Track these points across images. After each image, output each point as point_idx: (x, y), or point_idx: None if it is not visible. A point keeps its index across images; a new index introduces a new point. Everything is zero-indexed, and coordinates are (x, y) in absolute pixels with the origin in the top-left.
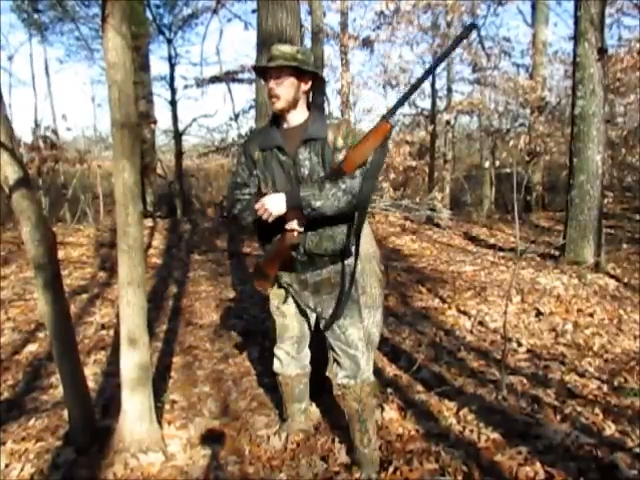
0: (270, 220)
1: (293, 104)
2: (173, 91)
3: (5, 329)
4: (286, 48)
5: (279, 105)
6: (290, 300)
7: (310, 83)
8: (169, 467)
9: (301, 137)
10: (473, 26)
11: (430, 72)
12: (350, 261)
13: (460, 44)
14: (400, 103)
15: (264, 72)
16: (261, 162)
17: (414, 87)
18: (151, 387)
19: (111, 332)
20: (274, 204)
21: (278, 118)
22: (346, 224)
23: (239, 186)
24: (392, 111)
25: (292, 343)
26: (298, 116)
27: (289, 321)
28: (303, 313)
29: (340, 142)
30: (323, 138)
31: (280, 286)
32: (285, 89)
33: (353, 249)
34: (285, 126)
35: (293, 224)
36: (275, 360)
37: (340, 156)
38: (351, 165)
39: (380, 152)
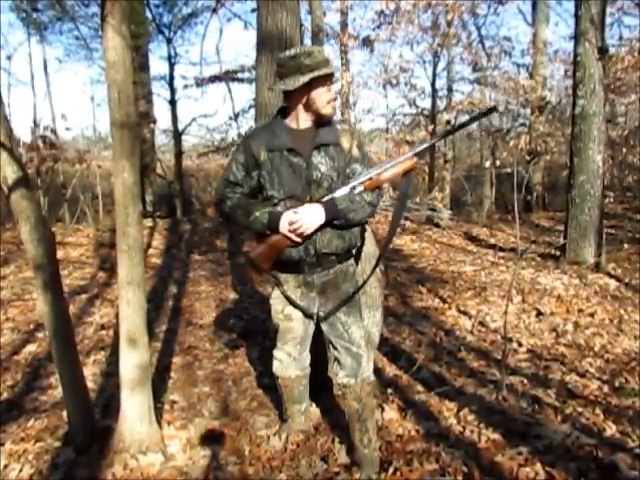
0: (306, 234)
1: None
2: (173, 91)
3: (4, 329)
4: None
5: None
6: (296, 303)
7: None
8: (169, 467)
9: (313, 140)
10: (494, 108)
11: (454, 131)
12: (352, 261)
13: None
14: (429, 146)
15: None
16: (268, 163)
17: (446, 134)
18: (151, 387)
19: (111, 332)
20: (314, 219)
21: (284, 119)
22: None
23: (231, 184)
24: (420, 151)
25: (295, 344)
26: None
27: (295, 323)
28: (307, 315)
29: (356, 152)
30: (335, 144)
31: (285, 290)
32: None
33: (354, 250)
34: (294, 128)
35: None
36: (275, 362)
37: (357, 166)
38: (373, 187)
39: (406, 183)
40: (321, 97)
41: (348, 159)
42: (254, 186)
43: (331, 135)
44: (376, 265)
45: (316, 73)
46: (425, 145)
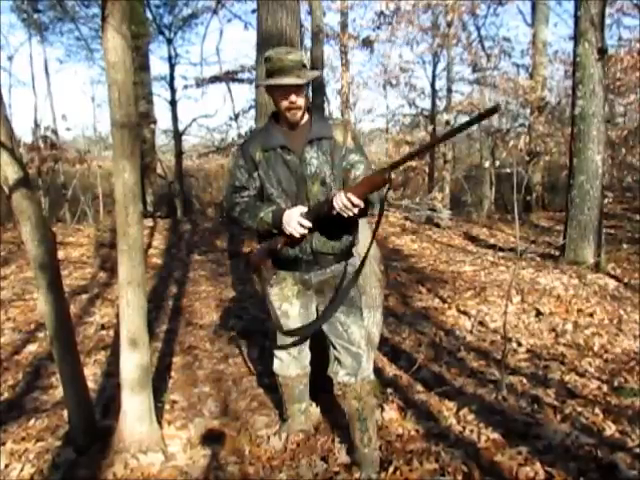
0: (299, 235)
1: (306, 109)
2: (173, 91)
3: (5, 329)
4: (295, 56)
5: (299, 114)
6: (294, 301)
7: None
8: (169, 467)
9: (306, 136)
10: (496, 109)
11: (444, 139)
12: (352, 260)
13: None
14: (403, 161)
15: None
16: (264, 163)
17: (422, 149)
18: (151, 387)
19: (111, 332)
20: (300, 222)
21: (279, 119)
22: (351, 224)
23: (237, 189)
24: (393, 166)
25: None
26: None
27: (292, 322)
28: (306, 314)
29: (350, 143)
30: (329, 137)
31: (283, 287)
32: (304, 99)
33: (354, 250)
34: (287, 127)
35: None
36: (275, 361)
37: (353, 156)
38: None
39: (377, 197)
40: (279, 103)
41: (344, 151)
42: (259, 187)
43: (324, 129)
44: (361, 266)
45: (269, 82)
46: (398, 160)
